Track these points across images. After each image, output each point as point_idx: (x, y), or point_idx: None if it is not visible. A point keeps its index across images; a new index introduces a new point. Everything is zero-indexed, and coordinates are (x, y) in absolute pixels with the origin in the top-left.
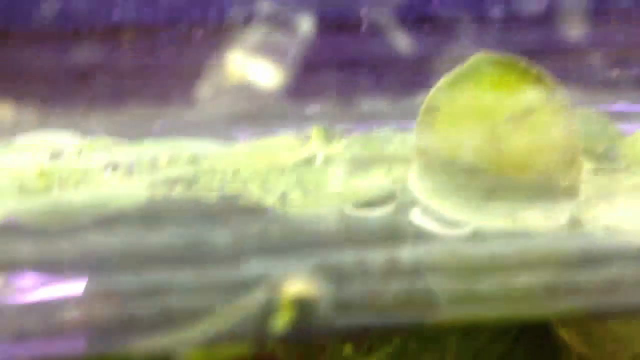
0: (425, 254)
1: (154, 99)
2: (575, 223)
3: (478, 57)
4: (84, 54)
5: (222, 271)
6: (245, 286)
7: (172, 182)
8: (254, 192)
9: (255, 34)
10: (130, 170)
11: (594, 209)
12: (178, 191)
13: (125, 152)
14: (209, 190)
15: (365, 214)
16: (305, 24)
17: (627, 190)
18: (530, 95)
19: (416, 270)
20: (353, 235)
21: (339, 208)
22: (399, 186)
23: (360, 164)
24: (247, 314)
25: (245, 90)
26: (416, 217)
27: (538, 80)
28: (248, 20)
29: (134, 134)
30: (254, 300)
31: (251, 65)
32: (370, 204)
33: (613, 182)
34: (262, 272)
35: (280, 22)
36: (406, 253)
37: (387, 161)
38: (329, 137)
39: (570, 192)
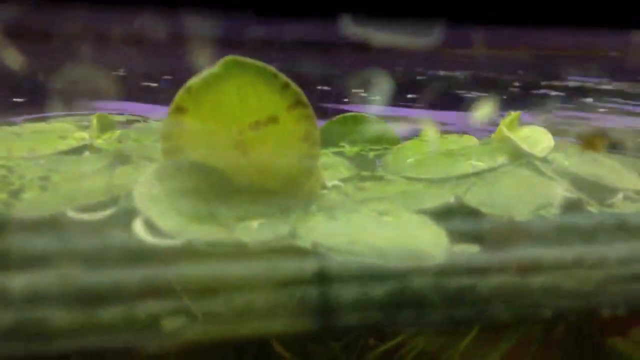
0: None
1: None
2: (292, 236)
3: (227, 60)
4: None
5: None
6: None
7: None
8: None
9: None
10: None
11: (315, 222)
12: None
13: None
14: None
15: (84, 218)
16: None
17: (356, 206)
18: (275, 102)
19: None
20: None
21: (60, 211)
22: (125, 191)
23: (119, 160)
24: None
25: None
26: (136, 225)
27: (285, 87)
28: None
29: None
30: None
31: None
32: (91, 208)
33: (356, 193)
34: None
35: None
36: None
37: (145, 158)
38: (106, 126)
39: (303, 203)
